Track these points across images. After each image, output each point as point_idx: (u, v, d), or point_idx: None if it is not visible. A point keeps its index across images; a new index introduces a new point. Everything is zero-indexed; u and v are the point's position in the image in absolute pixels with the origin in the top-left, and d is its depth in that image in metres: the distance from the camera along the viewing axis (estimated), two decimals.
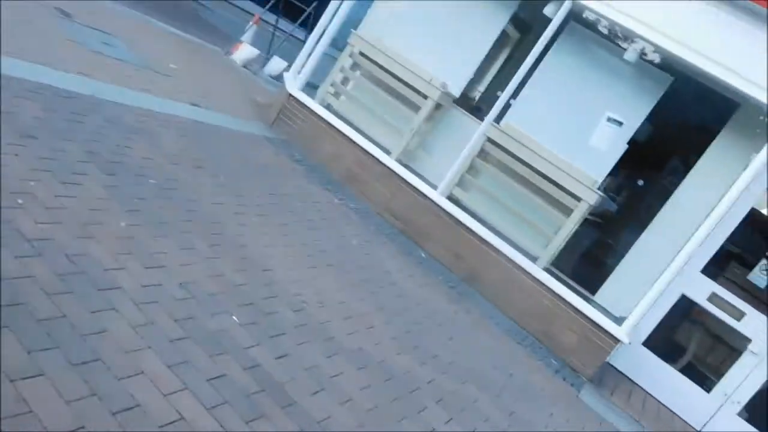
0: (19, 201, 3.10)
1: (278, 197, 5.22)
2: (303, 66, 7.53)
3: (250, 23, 10.04)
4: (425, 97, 6.76)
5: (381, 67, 7.01)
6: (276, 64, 9.89)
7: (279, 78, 9.96)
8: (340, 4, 7.18)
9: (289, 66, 10.04)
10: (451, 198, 6.33)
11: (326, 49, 7.17)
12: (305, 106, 7.01)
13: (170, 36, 8.61)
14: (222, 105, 6.75)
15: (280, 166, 6.01)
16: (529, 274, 5.80)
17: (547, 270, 5.86)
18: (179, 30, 9.25)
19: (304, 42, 9.56)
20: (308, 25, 9.55)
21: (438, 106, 6.82)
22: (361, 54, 7.21)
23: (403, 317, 4.53)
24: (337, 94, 7.40)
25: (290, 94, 7.07)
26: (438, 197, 6.29)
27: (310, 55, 7.33)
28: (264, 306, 3.53)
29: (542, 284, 5.73)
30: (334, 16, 7.20)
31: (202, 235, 3.86)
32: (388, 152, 6.67)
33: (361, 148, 6.67)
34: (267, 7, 9.90)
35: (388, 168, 6.53)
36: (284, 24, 10.94)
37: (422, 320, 4.70)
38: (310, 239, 4.82)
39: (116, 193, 3.71)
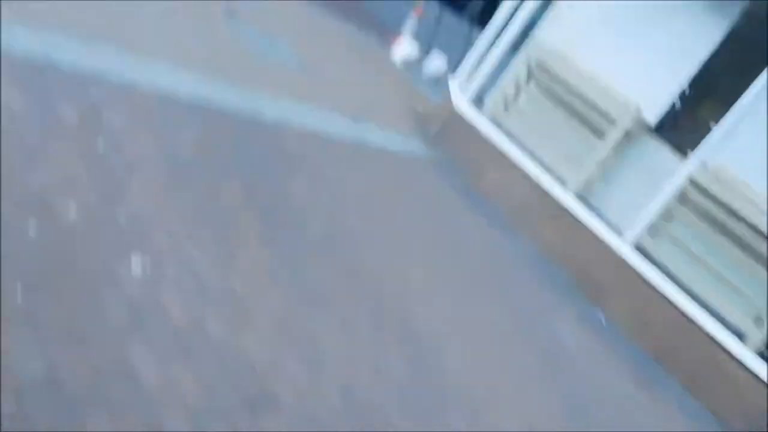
0: (166, 272, 2.64)
1: (443, 241, 4.56)
2: (471, 74, 6.80)
3: (412, 15, 9.36)
4: (613, 121, 5.79)
5: (561, 81, 6.10)
6: (436, 62, 9.17)
7: (439, 80, 9.28)
8: (520, 3, 6.32)
9: (451, 66, 9.31)
10: (638, 248, 5.35)
11: (502, 56, 6.34)
12: (471, 123, 6.26)
13: (331, 29, 8.14)
14: (381, 116, 6.18)
15: (444, 198, 5.34)
16: (736, 358, 4.74)
17: (761, 355, 4.76)
18: (340, 20, 8.79)
19: (468, 32, 8.81)
20: (474, 15, 8.69)
21: (628, 134, 5.81)
22: (539, 65, 6.32)
23: (584, 416, 3.73)
24: (506, 108, 6.57)
25: (455, 107, 6.36)
26: (622, 246, 5.34)
27: (479, 60, 6.57)
28: (435, 414, 2.88)
29: (753, 374, 4.66)
30: (512, 16, 6.36)
31: (365, 306, 3.27)
32: (563, 183, 5.78)
33: (533, 178, 5.83)
34: None
35: (563, 205, 5.65)
36: (441, 12, 10.15)
37: (605, 419, 3.87)
38: (479, 302, 4.12)
39: (275, 251, 3.20)
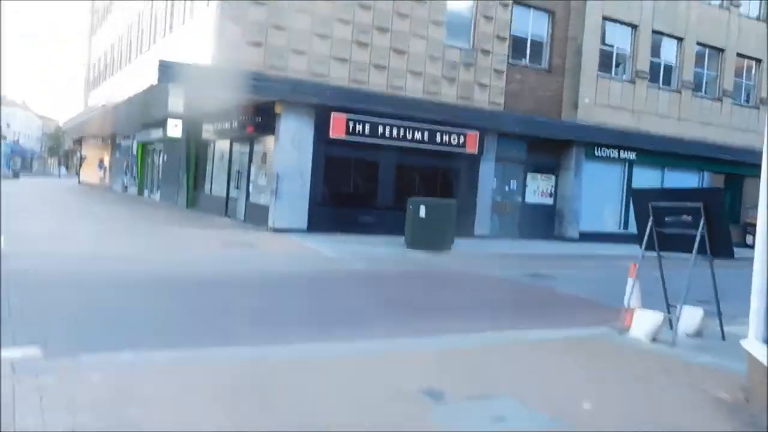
0: None
1: None
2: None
3: (630, 281, 7.69)
4: None
5: None
6: (690, 317, 7.16)
7: (701, 333, 7.17)
8: None
9: (709, 315, 7.24)
10: None
11: None
12: None
13: (543, 345, 6.59)
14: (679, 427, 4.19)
15: None
16: None
17: None
18: (547, 328, 7.33)
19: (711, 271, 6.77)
20: (714, 245, 6.74)
21: None
22: None
23: None
24: None
25: None
26: None
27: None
28: None
29: None
30: None
31: None
32: None
33: None
34: (643, 247, 7.46)
35: None
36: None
37: None
38: None
39: None
